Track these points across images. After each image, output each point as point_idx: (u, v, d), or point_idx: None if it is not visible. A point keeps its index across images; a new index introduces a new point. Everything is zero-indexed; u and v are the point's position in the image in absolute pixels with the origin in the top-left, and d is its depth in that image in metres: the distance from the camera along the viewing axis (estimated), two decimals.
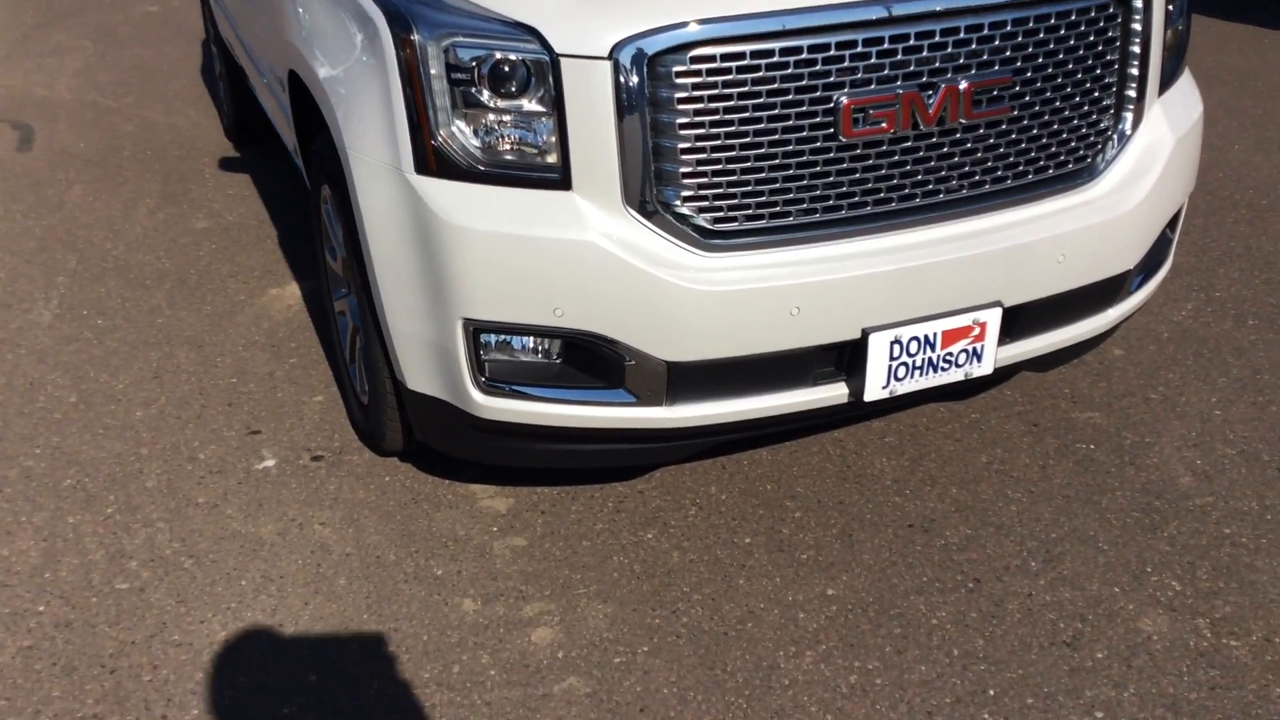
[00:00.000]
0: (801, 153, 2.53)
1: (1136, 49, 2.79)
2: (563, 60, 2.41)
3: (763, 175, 2.53)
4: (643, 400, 2.65)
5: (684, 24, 2.39)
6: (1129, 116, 2.86)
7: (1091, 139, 2.82)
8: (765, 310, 2.54)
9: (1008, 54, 2.60)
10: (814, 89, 2.48)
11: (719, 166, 2.50)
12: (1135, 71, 2.82)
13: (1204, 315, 4.00)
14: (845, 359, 2.71)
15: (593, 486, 3.18)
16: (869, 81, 2.51)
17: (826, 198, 2.59)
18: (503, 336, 2.64)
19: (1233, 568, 2.79)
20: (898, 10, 2.48)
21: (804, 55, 2.45)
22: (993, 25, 2.57)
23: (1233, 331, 3.89)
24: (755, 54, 2.42)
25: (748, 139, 2.48)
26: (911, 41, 2.51)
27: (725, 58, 2.42)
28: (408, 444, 3.17)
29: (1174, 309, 4.05)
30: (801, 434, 3.33)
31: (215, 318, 4.24)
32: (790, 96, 2.47)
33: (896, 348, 2.67)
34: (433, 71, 2.48)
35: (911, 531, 2.99)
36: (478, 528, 3.04)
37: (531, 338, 2.64)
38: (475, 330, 2.62)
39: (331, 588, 2.84)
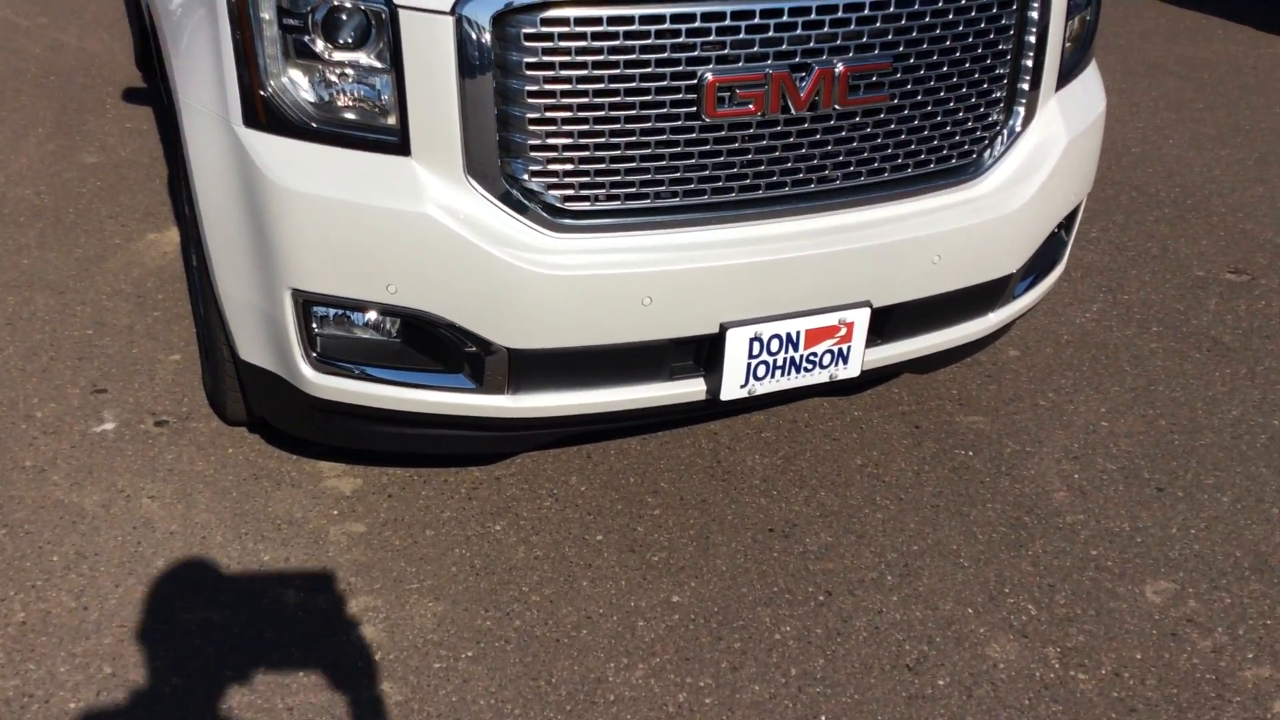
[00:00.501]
0: (661, 131, 2.35)
1: (1033, 40, 2.63)
2: (401, 12, 2.21)
3: (619, 153, 2.35)
4: (484, 387, 2.47)
5: None
6: (1020, 112, 2.70)
7: (978, 134, 2.67)
8: (614, 299, 2.37)
9: (890, 38, 2.43)
10: (676, 63, 2.30)
11: (571, 140, 2.32)
12: (1030, 64, 2.66)
13: (1108, 319, 3.88)
14: (704, 354, 2.55)
15: (448, 470, 3.01)
16: (736, 59, 2.33)
17: (688, 181, 2.42)
18: (336, 310, 2.46)
19: (1093, 593, 2.67)
20: None
21: (666, 25, 2.26)
22: (875, 5, 2.39)
23: (1134, 338, 3.77)
24: (613, 20, 2.23)
25: (603, 113, 2.30)
26: (785, 18, 2.33)
27: (580, 22, 2.22)
28: (250, 415, 2.98)
29: (1078, 310, 3.93)
30: (669, 426, 3.18)
31: (84, 262, 4.01)
32: (650, 69, 2.29)
33: (756, 345, 2.51)
34: (264, 15, 2.27)
35: (771, 536, 2.84)
36: (317, 510, 2.86)
37: (367, 313, 2.45)
38: (305, 302, 2.43)
39: (147, 569, 2.66)
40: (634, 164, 2.37)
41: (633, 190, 2.40)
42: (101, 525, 2.78)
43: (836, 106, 2.43)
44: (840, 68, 2.39)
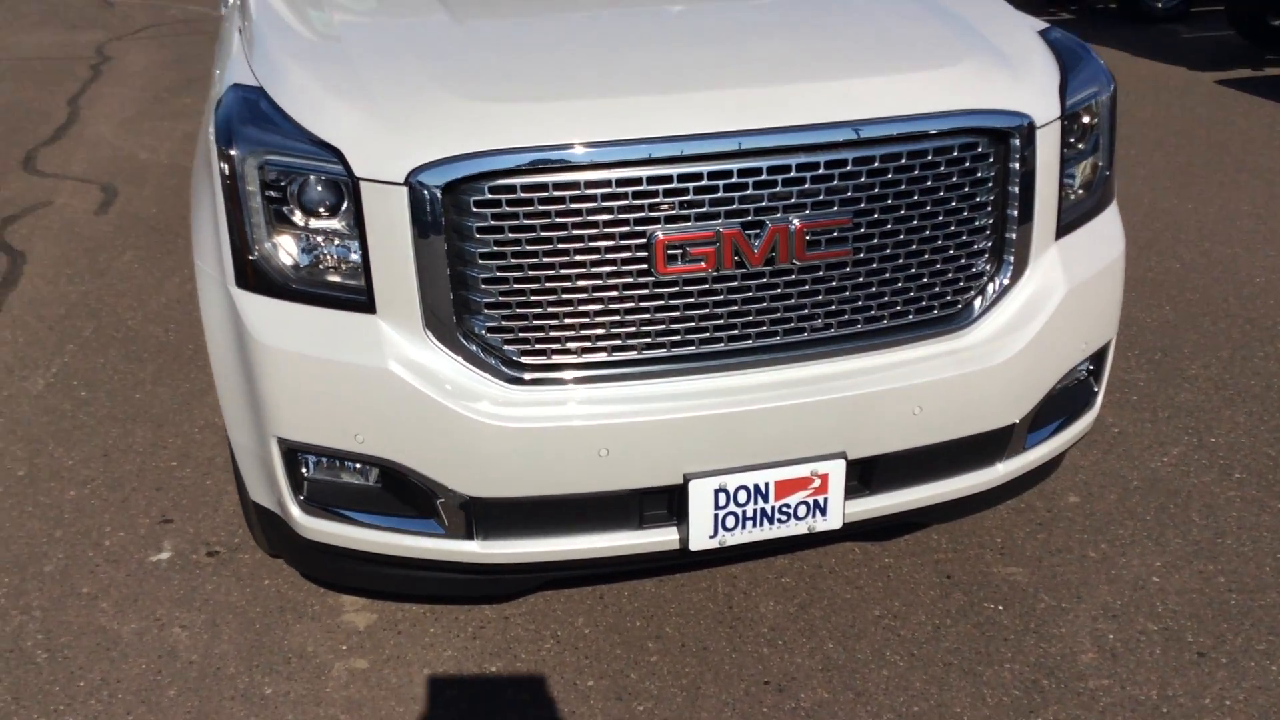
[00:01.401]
0: (614, 288, 2.41)
1: (1017, 192, 2.58)
2: (362, 184, 2.37)
3: (571, 310, 2.42)
4: (452, 533, 2.55)
5: (481, 154, 2.32)
6: (1010, 262, 2.64)
7: (960, 285, 2.62)
8: (569, 450, 2.42)
9: (849, 194, 2.44)
10: (624, 223, 2.37)
11: (524, 299, 2.41)
12: (1015, 214, 2.60)
13: (1187, 463, 3.66)
14: (675, 503, 2.55)
15: (460, 609, 3.08)
16: (686, 218, 2.38)
17: (645, 335, 2.47)
18: (316, 457, 2.59)
19: None
20: (714, 147, 2.35)
21: (612, 189, 2.34)
22: (830, 164, 2.41)
23: (1211, 485, 3.54)
24: (558, 186, 2.33)
25: (553, 272, 2.39)
26: (734, 179, 2.37)
27: (526, 189, 2.33)
28: (270, 551, 3.14)
29: (1156, 453, 3.71)
30: (663, 572, 3.16)
31: (188, 396, 4.33)
32: (598, 230, 2.37)
33: (722, 496, 2.50)
34: (249, 187, 2.47)
35: (765, 689, 2.78)
36: (328, 644, 2.97)
37: (343, 461, 2.58)
38: (289, 449, 2.57)
39: (159, 699, 2.81)
40: (588, 320, 2.43)
41: (588, 345, 2.46)
42: (131, 653, 2.97)
43: (795, 261, 2.44)
44: (796, 224, 2.41)
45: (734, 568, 3.21)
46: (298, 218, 2.46)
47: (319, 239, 2.46)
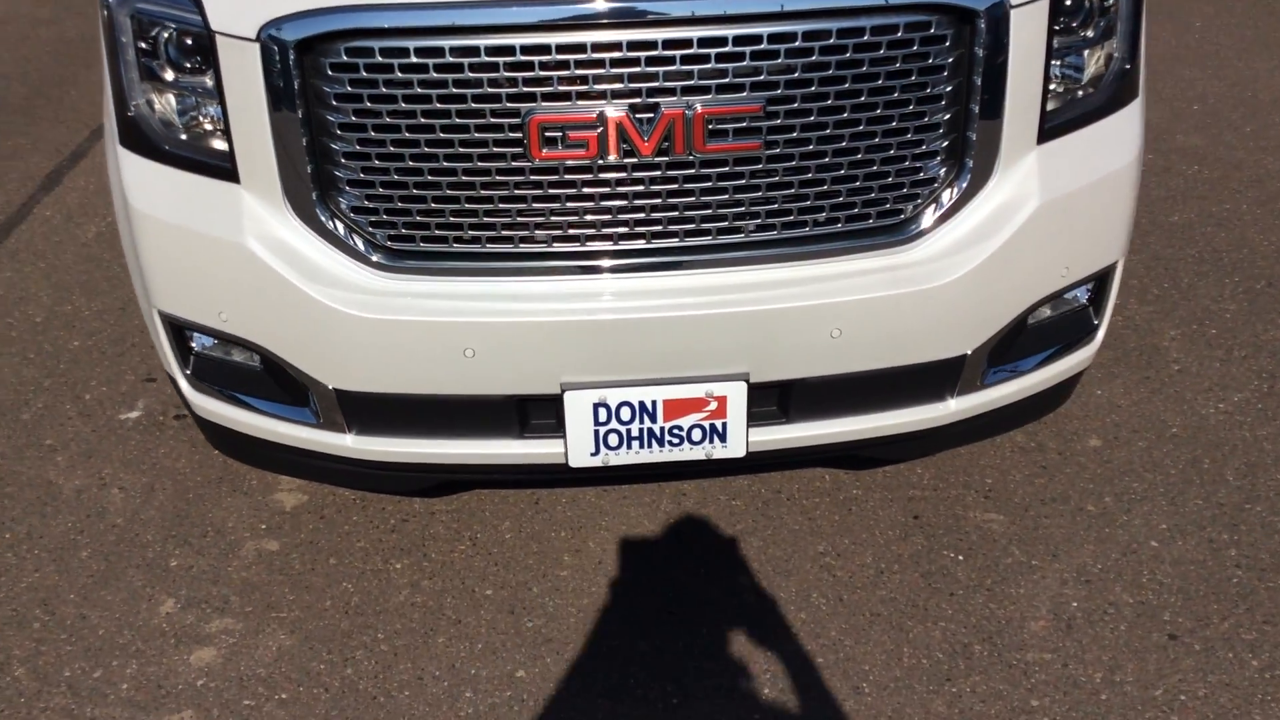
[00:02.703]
0: (487, 171, 2.16)
1: (979, 83, 2.17)
2: (218, 38, 2.16)
3: (441, 193, 2.18)
4: (326, 424, 2.39)
5: (335, 9, 2.07)
6: (969, 167, 2.24)
7: (904, 191, 2.24)
8: (432, 348, 2.21)
9: (762, 77, 2.09)
10: (496, 99, 2.09)
11: (387, 178, 2.18)
12: (978, 110, 2.20)
13: (1244, 413, 3.18)
14: (557, 416, 2.32)
15: (392, 499, 2.95)
16: (565, 96, 2.09)
17: (523, 226, 2.21)
18: (194, 333, 2.46)
19: None
20: (600, 9, 2.04)
21: (481, 58, 2.07)
22: (741, 40, 2.06)
23: (1264, 441, 3.06)
24: (421, 51, 2.07)
25: (419, 149, 2.14)
26: (624, 53, 2.06)
27: (386, 53, 2.08)
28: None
29: (1213, 397, 3.24)
30: (551, 485, 2.93)
31: None
32: (467, 105, 2.10)
33: (603, 411, 2.26)
34: (123, 38, 2.30)
35: (666, 620, 2.56)
36: (248, 523, 2.90)
37: (211, 339, 2.44)
38: (171, 323, 2.45)
39: (70, 559, 2.80)
40: (458, 205, 2.19)
41: (460, 234, 2.22)
42: (64, 509, 2.96)
43: (695, 154, 2.12)
44: (696, 109, 2.09)
45: (686, 485, 2.96)
46: (167, 73, 2.28)
47: (187, 98, 2.28)
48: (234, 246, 2.24)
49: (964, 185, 2.25)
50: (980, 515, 2.83)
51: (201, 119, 2.28)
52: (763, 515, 2.85)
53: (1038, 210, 2.27)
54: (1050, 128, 2.31)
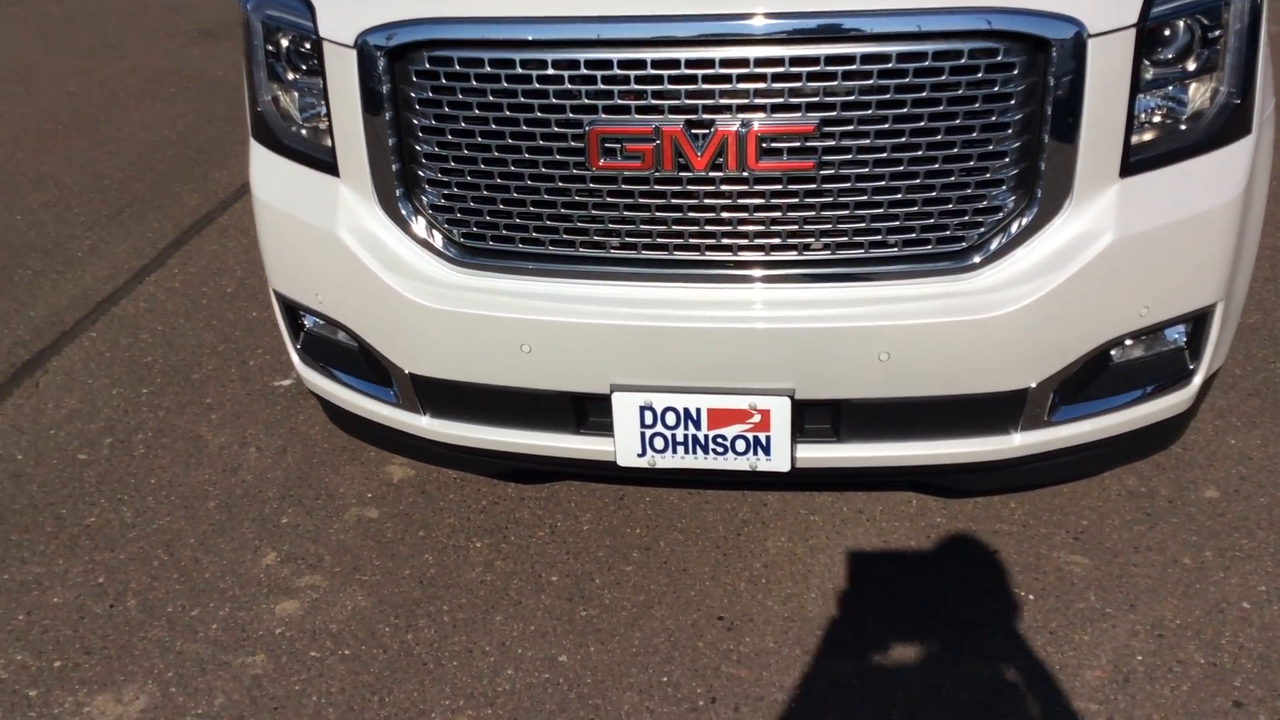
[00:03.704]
0: (551, 178, 2.26)
1: (1050, 113, 2.12)
2: (325, 44, 2.35)
3: (510, 196, 2.30)
4: (404, 404, 2.56)
5: (422, 21, 2.22)
6: (1040, 197, 2.18)
7: (967, 218, 2.21)
8: (491, 341, 2.34)
9: (819, 98, 2.11)
10: (560, 109, 2.20)
11: (462, 180, 2.32)
12: (1049, 141, 2.14)
13: None
14: (609, 415, 2.40)
15: (489, 481, 3.10)
16: (625, 109, 2.17)
17: (584, 231, 2.30)
18: (302, 311, 2.67)
19: None
20: (666, 32, 2.11)
21: (549, 71, 2.17)
22: (797, 61, 2.09)
23: None
24: (495, 63, 2.19)
25: (491, 154, 2.27)
26: (681, 70, 2.12)
27: (464, 63, 2.21)
28: None
29: None
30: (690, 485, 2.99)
31: None
32: (535, 115, 2.21)
33: (649, 415, 2.33)
34: (255, 41, 2.53)
35: (713, 625, 2.60)
36: (357, 490, 3.11)
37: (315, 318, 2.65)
38: (284, 301, 2.67)
39: (198, 508, 3.08)
40: (526, 209, 2.30)
41: (526, 235, 2.33)
42: (206, 462, 3.27)
43: (748, 170, 2.16)
44: (755, 126, 2.13)
45: (770, 495, 2.99)
46: (288, 74, 2.49)
47: (304, 97, 2.49)
48: (328, 235, 2.43)
49: (1032, 216, 2.20)
50: (1064, 556, 2.74)
51: (313, 118, 2.48)
52: (837, 533, 2.85)
53: (1112, 245, 2.18)
54: (1137, 161, 2.22)
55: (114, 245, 4.55)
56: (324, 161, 2.47)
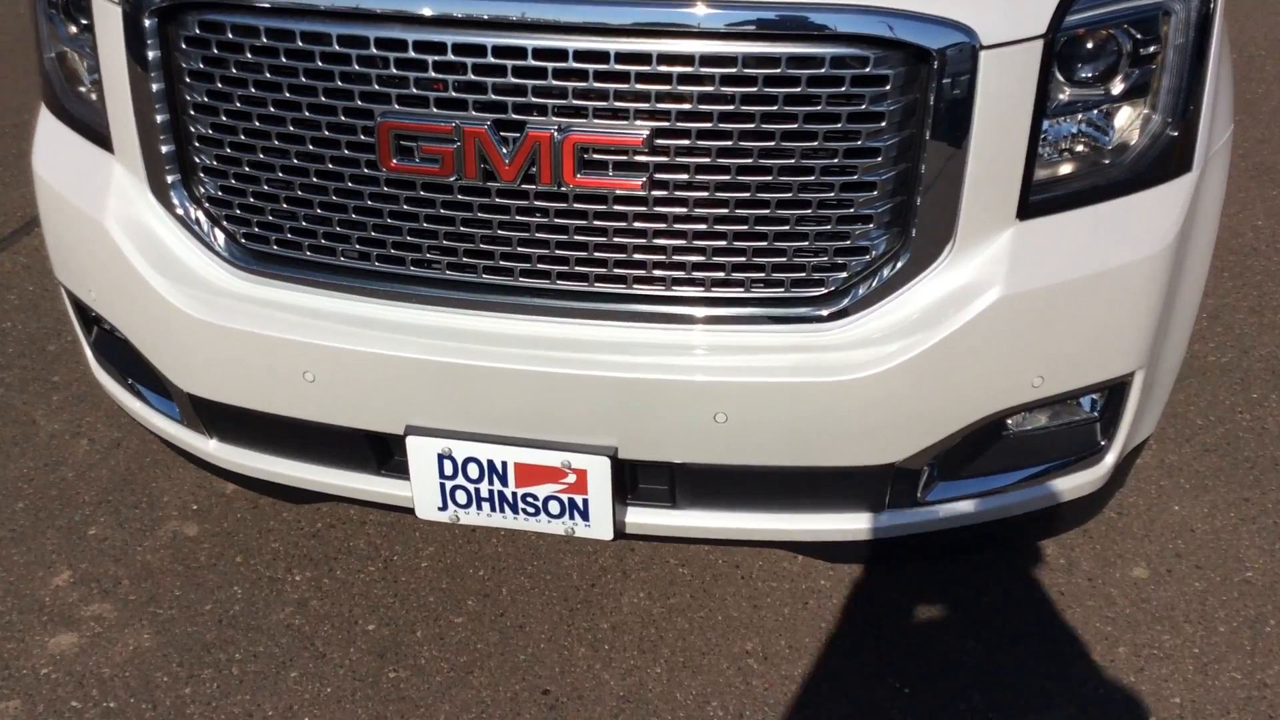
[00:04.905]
0: (340, 176, 1.89)
1: (930, 138, 1.73)
2: None
3: (294, 194, 1.93)
4: (189, 424, 2.21)
5: None
6: (915, 238, 1.80)
7: (827, 259, 1.82)
8: (270, 365, 1.98)
9: (650, 104, 1.72)
10: (348, 95, 1.82)
11: (241, 170, 1.95)
12: (925, 172, 1.75)
13: None
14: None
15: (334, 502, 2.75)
16: (423, 102, 1.79)
17: (380, 243, 1.93)
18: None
19: None
20: (470, 10, 1.72)
21: (334, 48, 1.79)
22: (625, 58, 1.70)
23: None
24: (272, 33, 1.81)
25: (271, 143, 1.90)
26: (488, 58, 1.74)
27: (238, 30, 1.83)
28: None
29: None
30: None
31: None
32: (319, 99, 1.84)
33: (448, 464, 1.97)
34: None
35: (537, 700, 2.25)
36: (182, 500, 2.77)
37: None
38: (67, 291, 2.32)
39: (4, 508, 2.75)
40: (313, 210, 1.93)
41: (315, 241, 1.96)
42: (29, 452, 2.92)
43: (566, 185, 1.78)
44: (572, 134, 1.74)
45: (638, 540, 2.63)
46: (68, 28, 2.13)
47: (75, 56, 2.12)
48: (95, 224, 2.07)
49: (905, 261, 1.81)
50: (955, 640, 2.37)
51: (85, 81, 2.12)
52: (704, 591, 2.49)
53: (999, 302, 1.80)
54: (1041, 201, 1.83)
55: (2, 193, 4.21)
56: (97, 134, 2.11)
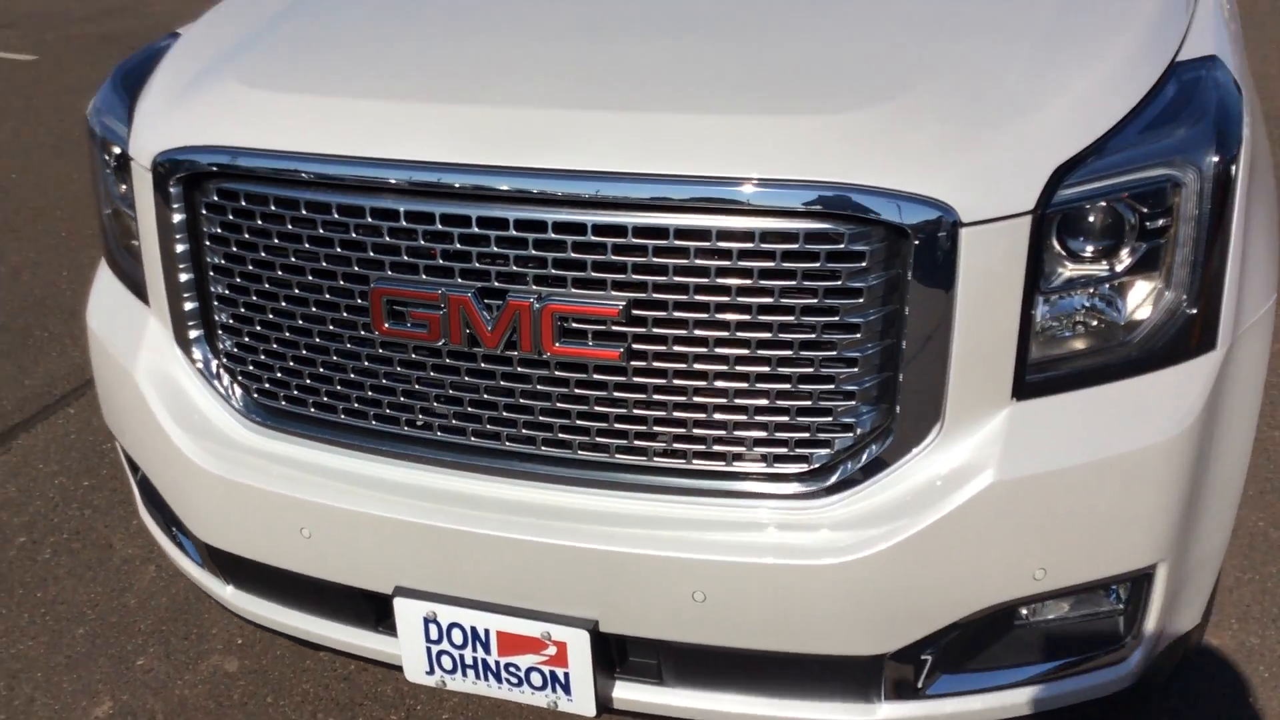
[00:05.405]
0: (341, 338, 1.94)
1: (910, 313, 1.67)
2: (132, 162, 2.10)
3: (300, 354, 1.98)
4: (209, 568, 2.26)
5: (208, 147, 1.94)
6: (900, 417, 1.72)
7: (809, 435, 1.76)
8: (269, 519, 2.01)
9: (628, 275, 1.72)
10: (347, 261, 1.87)
11: (254, 329, 2.01)
12: (906, 348, 1.68)
13: None
14: None
15: None
16: (413, 269, 1.83)
17: (377, 403, 1.96)
18: None
19: None
20: (457, 180, 1.76)
21: (334, 216, 1.86)
22: (602, 230, 1.71)
23: None
24: (280, 202, 1.89)
25: (279, 304, 1.96)
26: (472, 229, 1.77)
27: (250, 198, 1.92)
28: None
29: None
30: None
31: None
32: (321, 264, 1.90)
33: (434, 628, 1.95)
34: (94, 148, 2.32)
35: None
36: (229, 632, 2.83)
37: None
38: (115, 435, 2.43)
39: (68, 633, 2.85)
40: (316, 369, 1.98)
41: (319, 399, 2.01)
42: (101, 577, 3.04)
43: (546, 353, 1.78)
44: (551, 303, 1.75)
45: None
46: (119, 187, 2.26)
47: (128, 212, 2.25)
48: (126, 373, 2.17)
49: (890, 440, 1.73)
50: None
51: (127, 233, 2.24)
52: None
53: (991, 488, 1.70)
54: (1040, 381, 1.73)
55: None
56: (136, 287, 2.22)
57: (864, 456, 1.75)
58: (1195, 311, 1.76)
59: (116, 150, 2.21)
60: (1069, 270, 1.72)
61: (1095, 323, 1.75)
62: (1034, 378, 1.73)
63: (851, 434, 1.75)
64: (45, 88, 7.65)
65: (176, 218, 2.00)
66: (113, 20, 9.39)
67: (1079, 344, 1.75)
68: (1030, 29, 1.90)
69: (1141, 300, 1.75)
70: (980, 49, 1.84)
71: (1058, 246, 1.71)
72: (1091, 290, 1.74)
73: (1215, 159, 1.72)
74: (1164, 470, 1.75)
